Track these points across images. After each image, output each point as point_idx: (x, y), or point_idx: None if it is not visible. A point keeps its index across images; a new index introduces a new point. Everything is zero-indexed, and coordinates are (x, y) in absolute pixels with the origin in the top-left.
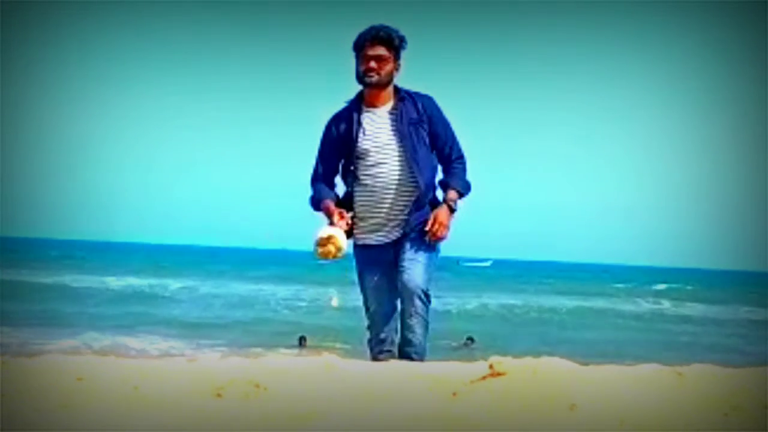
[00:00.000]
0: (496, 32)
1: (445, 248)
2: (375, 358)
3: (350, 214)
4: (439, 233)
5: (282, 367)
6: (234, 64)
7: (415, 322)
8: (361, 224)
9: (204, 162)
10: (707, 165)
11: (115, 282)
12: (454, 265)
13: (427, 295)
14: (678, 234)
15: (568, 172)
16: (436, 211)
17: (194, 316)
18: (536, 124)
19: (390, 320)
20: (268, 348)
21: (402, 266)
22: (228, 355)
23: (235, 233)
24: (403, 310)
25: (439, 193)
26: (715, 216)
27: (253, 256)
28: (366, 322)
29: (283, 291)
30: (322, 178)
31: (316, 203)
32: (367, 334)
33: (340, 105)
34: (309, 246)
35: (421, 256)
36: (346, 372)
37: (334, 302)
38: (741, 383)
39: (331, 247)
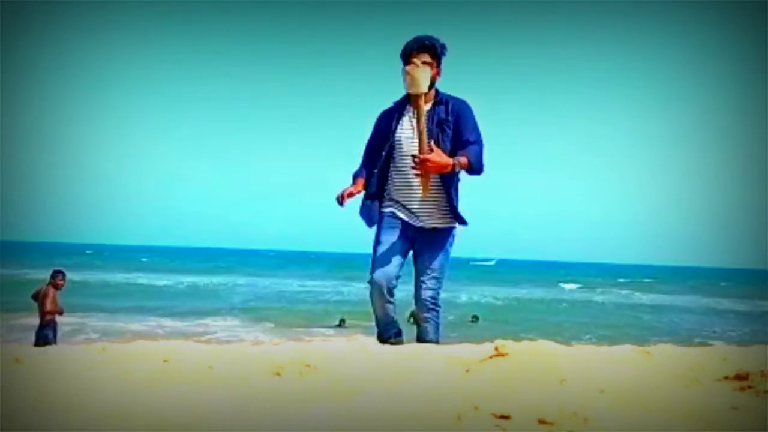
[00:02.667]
0: (497, 32)
1: (457, 250)
2: (378, 311)
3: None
4: (423, 166)
5: (327, 349)
6: (235, 62)
7: (429, 327)
8: (394, 201)
9: (250, 171)
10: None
11: (186, 279)
12: (464, 264)
13: (437, 305)
14: (650, 235)
15: (566, 178)
16: (439, 153)
17: (251, 304)
18: (536, 129)
19: (389, 280)
20: (316, 327)
21: (421, 280)
22: (284, 339)
23: (285, 238)
24: (418, 316)
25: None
26: (682, 218)
27: (301, 257)
28: (368, 277)
29: (325, 284)
30: (364, 163)
31: (353, 177)
32: (369, 287)
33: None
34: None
35: (437, 272)
36: (378, 353)
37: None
38: (698, 360)
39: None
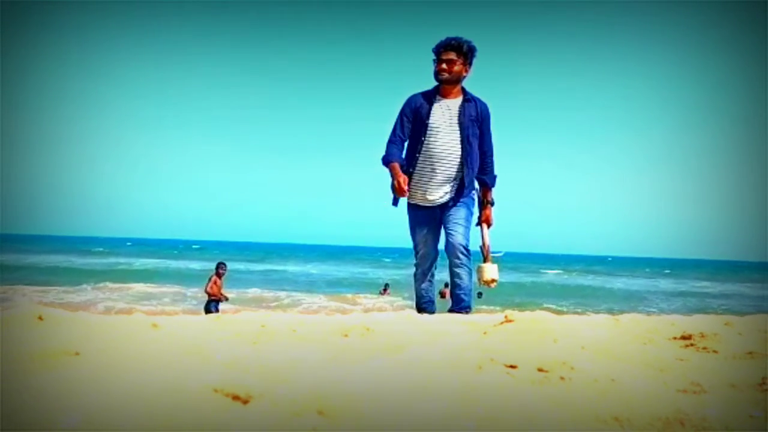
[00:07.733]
0: (497, 32)
1: (473, 244)
2: (419, 288)
3: (408, 181)
4: (491, 224)
5: (382, 318)
6: (235, 61)
7: (461, 271)
8: (416, 186)
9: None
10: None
11: (258, 266)
12: (477, 255)
13: (467, 250)
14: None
15: (566, 175)
16: (485, 214)
17: (312, 281)
18: (536, 125)
19: (432, 261)
20: (364, 293)
21: (449, 230)
22: (349, 311)
23: (343, 234)
24: (451, 262)
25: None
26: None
27: (356, 249)
28: (414, 261)
29: (375, 270)
30: (397, 140)
31: (386, 161)
32: (414, 269)
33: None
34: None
35: (463, 221)
36: (419, 320)
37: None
38: (654, 325)
39: (493, 285)
